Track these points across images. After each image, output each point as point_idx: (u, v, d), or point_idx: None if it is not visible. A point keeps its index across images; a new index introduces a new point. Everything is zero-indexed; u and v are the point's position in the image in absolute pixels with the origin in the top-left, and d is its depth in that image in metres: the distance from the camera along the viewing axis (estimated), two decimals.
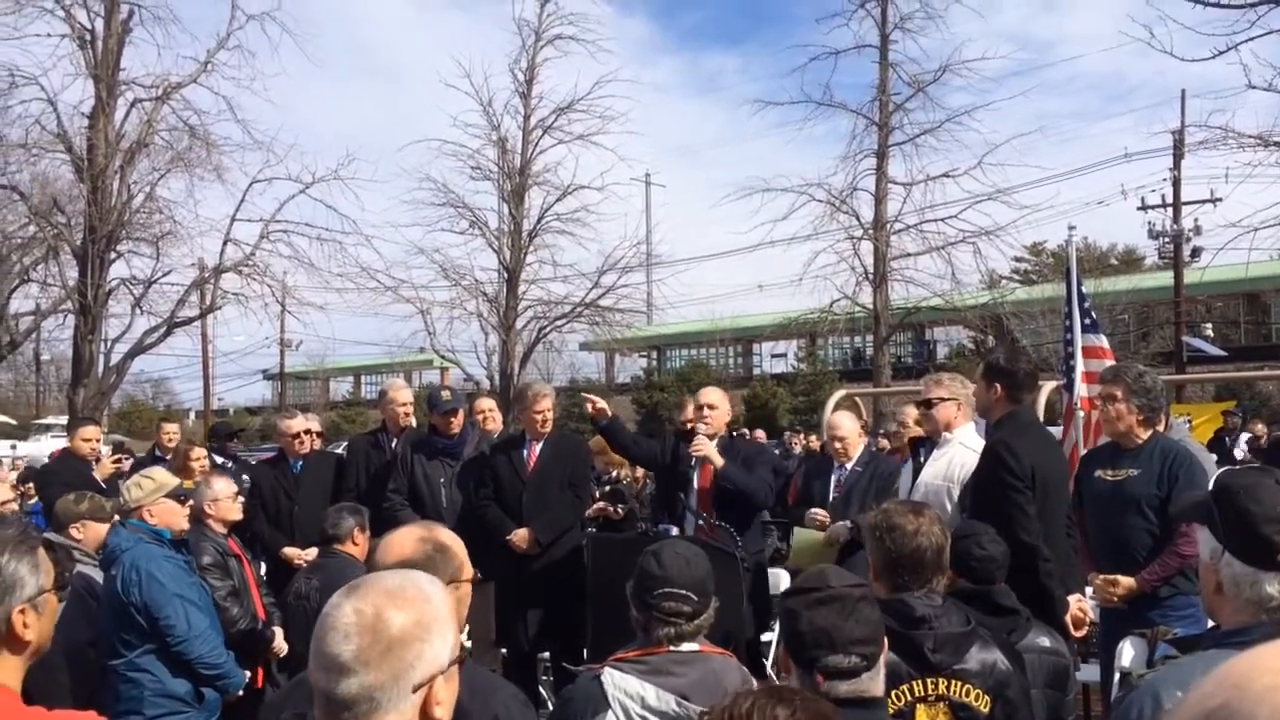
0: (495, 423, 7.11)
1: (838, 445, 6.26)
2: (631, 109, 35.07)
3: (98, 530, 4.84)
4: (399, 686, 1.54)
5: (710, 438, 5.74)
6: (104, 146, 18.97)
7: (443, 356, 26.03)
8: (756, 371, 46.74)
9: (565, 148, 24.75)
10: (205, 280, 21.14)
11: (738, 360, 49.47)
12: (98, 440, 8.24)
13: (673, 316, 31.64)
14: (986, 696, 2.76)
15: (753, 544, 5.75)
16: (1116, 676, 4.21)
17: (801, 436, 18.09)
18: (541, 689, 6.26)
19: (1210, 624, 2.07)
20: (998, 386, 4.58)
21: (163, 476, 4.87)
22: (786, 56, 57.82)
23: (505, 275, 25.04)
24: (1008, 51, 62.32)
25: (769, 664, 6.10)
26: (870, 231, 23.74)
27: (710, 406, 5.82)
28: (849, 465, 6.20)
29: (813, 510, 6.04)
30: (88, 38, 19.29)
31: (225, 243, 20.85)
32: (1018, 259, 37.86)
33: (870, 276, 23.87)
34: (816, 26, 27.66)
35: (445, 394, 6.55)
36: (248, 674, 4.87)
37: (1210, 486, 2.01)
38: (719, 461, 5.63)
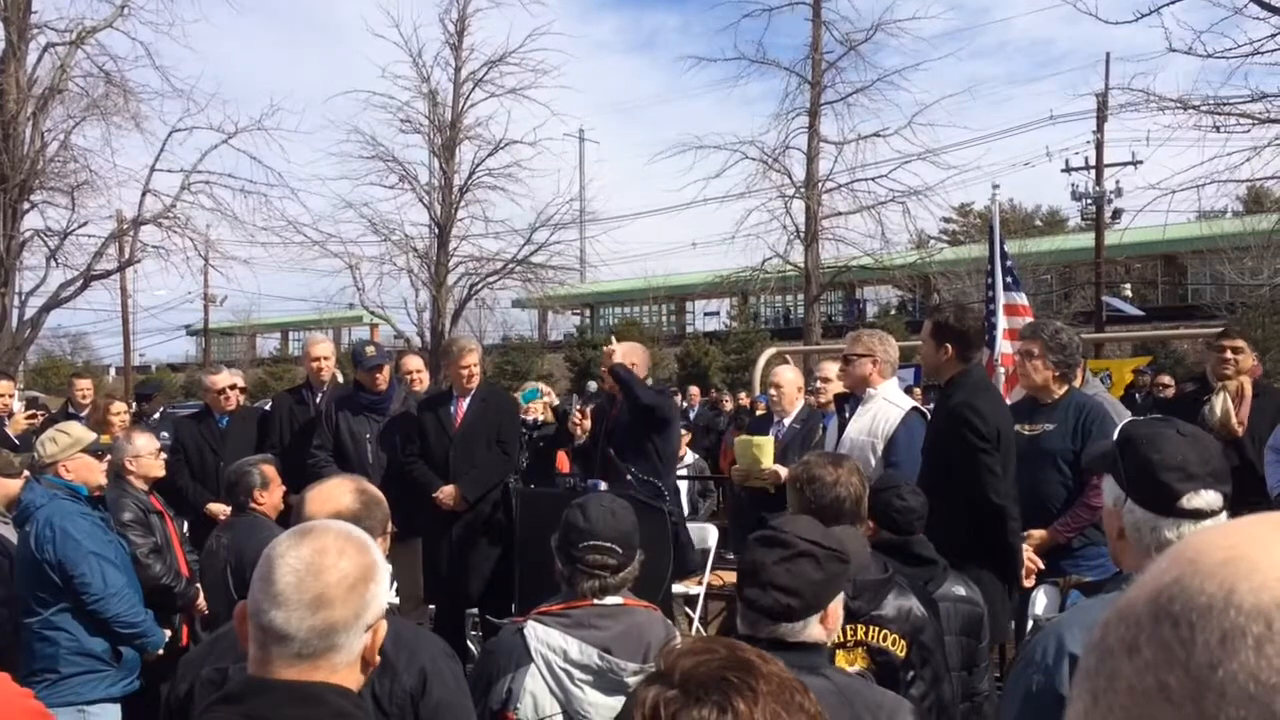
0: (422, 383, 7.11)
1: (773, 393, 6.34)
2: (565, 63, 34.60)
3: (6, 486, 4.73)
4: (357, 624, 1.59)
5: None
6: (15, 92, 18.21)
7: (372, 313, 25.61)
8: (689, 330, 46.89)
9: (497, 101, 24.32)
10: (124, 232, 20.48)
11: (670, 318, 49.60)
12: (10, 396, 8.06)
13: (606, 274, 31.61)
14: (903, 641, 2.83)
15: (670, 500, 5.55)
16: (1030, 624, 4.35)
17: (728, 396, 18.04)
18: (470, 643, 6.28)
19: (1115, 570, 2.14)
20: (948, 346, 4.35)
21: (79, 431, 4.76)
22: (721, 13, 57.33)
23: (436, 230, 24.65)
24: (939, 13, 62.61)
25: (695, 617, 6.21)
26: (802, 190, 23.83)
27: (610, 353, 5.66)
28: (787, 421, 6.27)
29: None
30: None
31: (144, 194, 20.18)
32: (946, 219, 38.38)
33: (801, 235, 23.98)
34: None
35: (370, 350, 6.47)
36: (168, 633, 4.81)
37: (1115, 437, 2.07)
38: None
